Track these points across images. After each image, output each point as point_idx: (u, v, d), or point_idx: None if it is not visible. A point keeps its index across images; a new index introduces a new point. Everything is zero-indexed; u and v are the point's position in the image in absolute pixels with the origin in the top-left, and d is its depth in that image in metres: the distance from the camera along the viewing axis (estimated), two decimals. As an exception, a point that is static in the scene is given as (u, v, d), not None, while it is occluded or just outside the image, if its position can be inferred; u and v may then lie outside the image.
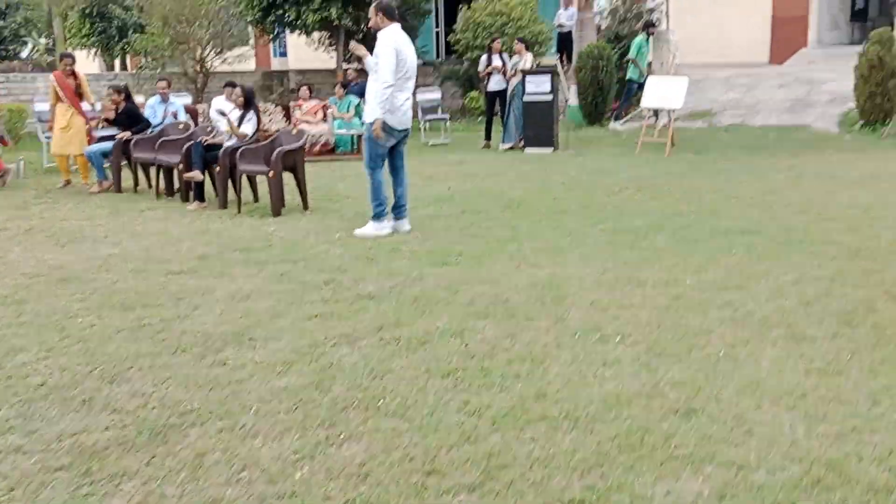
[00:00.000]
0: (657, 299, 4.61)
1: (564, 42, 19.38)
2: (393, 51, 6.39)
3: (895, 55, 12.37)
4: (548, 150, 12.49)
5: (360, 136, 13.05)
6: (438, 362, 3.67)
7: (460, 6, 20.08)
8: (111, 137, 9.54)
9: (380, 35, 6.52)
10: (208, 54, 17.87)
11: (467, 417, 3.13)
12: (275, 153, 7.68)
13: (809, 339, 3.91)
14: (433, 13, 22.51)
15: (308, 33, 18.70)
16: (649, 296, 4.69)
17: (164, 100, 11.92)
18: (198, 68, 17.85)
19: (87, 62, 25.84)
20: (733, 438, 2.93)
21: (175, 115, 11.07)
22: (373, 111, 6.53)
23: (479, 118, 18.04)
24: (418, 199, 7.97)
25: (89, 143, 9.75)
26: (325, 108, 13.47)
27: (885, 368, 3.55)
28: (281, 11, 16.90)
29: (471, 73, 18.96)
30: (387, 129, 6.54)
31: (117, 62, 24.95)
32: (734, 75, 17.27)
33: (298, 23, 17.22)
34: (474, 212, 7.65)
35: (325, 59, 20.83)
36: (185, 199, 8.62)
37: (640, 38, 14.22)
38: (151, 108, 11.59)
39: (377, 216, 6.72)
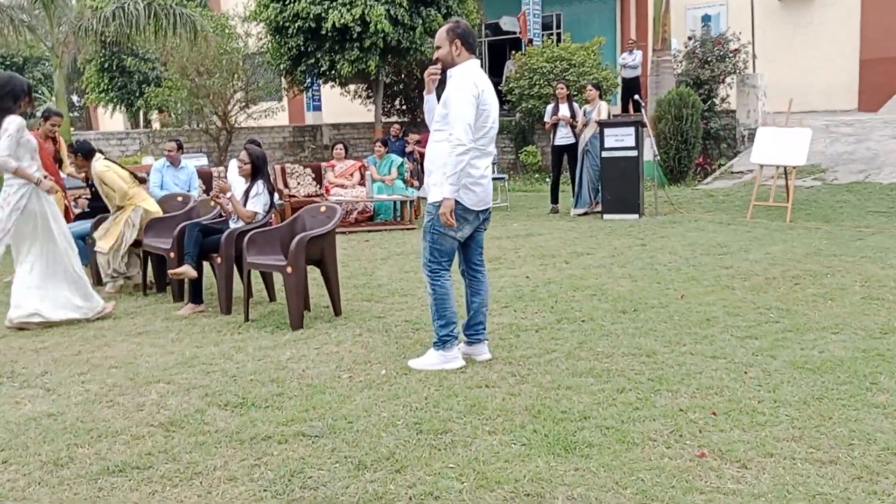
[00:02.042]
0: None
1: (629, 89, 17.26)
2: (472, 98, 4.20)
3: None
4: (632, 217, 10.21)
5: (402, 203, 10.92)
6: None
7: (511, 52, 18.10)
8: (91, 214, 7.47)
9: (453, 74, 4.34)
10: (232, 108, 15.97)
11: None
12: (295, 241, 5.49)
13: None
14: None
15: (343, 84, 16.79)
16: None
17: (175, 164, 9.93)
18: (220, 124, 15.95)
19: (106, 119, 24.29)
20: None
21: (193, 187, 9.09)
22: (439, 187, 4.31)
23: (536, 176, 15.90)
24: (492, 298, 5.71)
25: (67, 219, 7.70)
26: (362, 168, 11.37)
27: None
28: (313, 60, 14.98)
29: (523, 125, 16.89)
30: (461, 212, 4.32)
31: (143, 120, 23.35)
32: (832, 123, 14.92)
33: (332, 73, 15.30)
34: (575, 320, 5.36)
35: (362, 111, 18.92)
36: (180, 297, 6.47)
37: None
38: (158, 172, 9.58)
39: (443, 343, 4.45)
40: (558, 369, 4.34)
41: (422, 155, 13.23)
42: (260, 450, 3.40)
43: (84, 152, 7.06)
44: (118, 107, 21.06)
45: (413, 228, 10.45)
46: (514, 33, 19.11)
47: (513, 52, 18.02)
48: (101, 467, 3.25)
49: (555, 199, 11.51)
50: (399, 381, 4.24)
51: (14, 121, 5.50)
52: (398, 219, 11.07)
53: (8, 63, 21.16)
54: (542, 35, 18.90)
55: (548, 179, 15.58)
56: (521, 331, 5.17)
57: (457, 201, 4.27)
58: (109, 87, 20.08)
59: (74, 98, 31.39)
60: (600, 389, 3.99)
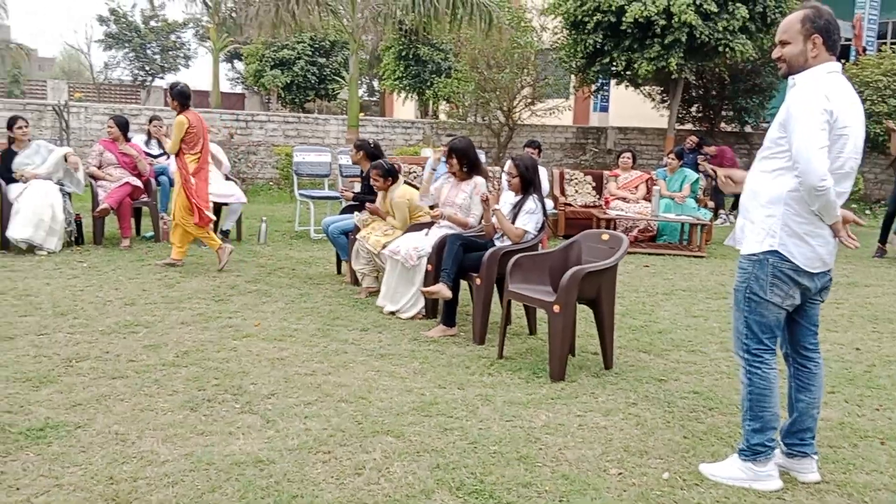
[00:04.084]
0: None
1: None
2: (824, 113, 2.97)
3: None
4: None
5: (693, 226, 9.57)
6: None
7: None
8: (359, 207, 7.07)
9: (797, 82, 3.11)
10: (517, 104, 15.37)
11: None
12: (568, 275, 4.52)
13: None
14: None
15: (637, 85, 15.56)
16: None
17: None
18: (503, 120, 15.42)
19: (398, 106, 25.03)
20: None
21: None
22: (756, 236, 3.14)
23: (854, 206, 13.59)
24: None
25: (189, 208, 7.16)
26: (649, 181, 10.16)
27: None
28: (608, 59, 13.93)
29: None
30: (790, 272, 3.09)
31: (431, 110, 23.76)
32: None
33: (627, 73, 14.14)
34: (937, 433, 3.86)
35: (653, 116, 17.53)
36: (432, 313, 5.79)
37: None
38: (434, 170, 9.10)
39: (754, 453, 3.23)
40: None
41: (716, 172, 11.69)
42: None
43: (393, 175, 6.53)
44: (410, 95, 21.47)
45: (702, 257, 9.07)
46: (844, 39, 16.64)
47: (841, 60, 15.65)
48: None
49: (884, 239, 9.51)
50: (687, 497, 3.11)
51: None
52: (685, 243, 9.73)
53: (316, 46, 22.35)
54: (876, 44, 16.33)
55: (868, 212, 13.31)
56: (858, 437, 3.79)
57: (787, 258, 3.06)
58: (404, 74, 20.47)
59: (375, 84, 33.06)
60: None
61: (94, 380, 4.18)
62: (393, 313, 5.84)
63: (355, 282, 6.72)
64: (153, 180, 8.69)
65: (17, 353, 4.57)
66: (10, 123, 7.86)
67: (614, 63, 13.91)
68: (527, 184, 5.27)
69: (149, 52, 39.67)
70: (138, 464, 3.21)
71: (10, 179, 7.73)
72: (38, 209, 7.41)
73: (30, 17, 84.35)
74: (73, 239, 7.97)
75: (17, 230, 7.37)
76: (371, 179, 6.55)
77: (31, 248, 7.47)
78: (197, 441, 3.46)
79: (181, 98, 7.12)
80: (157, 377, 4.27)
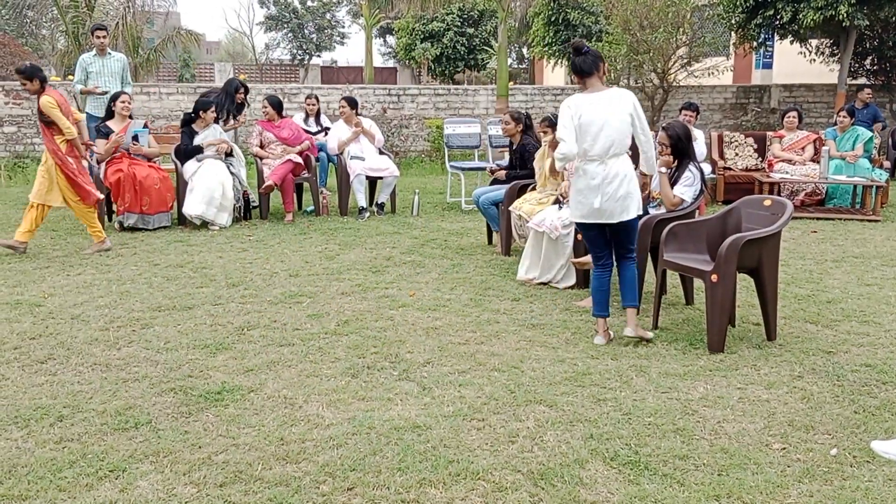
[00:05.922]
0: None
1: None
2: None
3: None
4: None
5: (865, 188, 8.93)
6: None
7: None
8: (505, 181, 7.08)
9: None
10: (672, 65, 14.80)
11: None
12: (727, 243, 4.35)
13: None
14: None
15: (803, 40, 14.58)
16: None
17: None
18: (657, 82, 14.90)
19: (548, 73, 24.70)
20: None
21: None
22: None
23: None
24: None
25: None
26: (817, 141, 9.54)
27: None
28: (771, 12, 13.14)
29: None
30: None
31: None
32: None
33: (792, 26, 13.28)
34: None
35: (821, 71, 16.38)
36: (584, 283, 5.75)
37: None
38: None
39: (935, 431, 3.03)
40: None
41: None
42: (645, 556, 2.47)
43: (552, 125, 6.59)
44: (560, 61, 21.14)
45: (877, 221, 8.46)
46: None
47: None
48: (446, 530, 2.60)
49: None
50: (857, 475, 2.96)
51: None
52: (857, 206, 9.09)
53: (464, 16, 22.42)
54: None
55: None
56: None
57: None
58: (554, 40, 20.18)
59: (524, 51, 32.80)
60: None
61: (263, 347, 4.46)
62: (544, 284, 5.85)
63: (506, 252, 6.77)
64: (312, 157, 9.07)
65: (196, 321, 4.94)
66: (207, 107, 8.36)
67: (778, 15, 13.10)
68: (680, 153, 5.08)
69: (305, 31, 41.21)
70: (305, 426, 3.41)
71: (186, 157, 8.28)
72: (210, 187, 7.92)
73: (196, 2, 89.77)
74: (241, 214, 8.47)
75: (191, 207, 7.92)
76: (539, 130, 6.59)
77: (205, 224, 8.00)
78: (358, 406, 3.63)
79: (38, 74, 6.64)
80: (321, 345, 4.50)
